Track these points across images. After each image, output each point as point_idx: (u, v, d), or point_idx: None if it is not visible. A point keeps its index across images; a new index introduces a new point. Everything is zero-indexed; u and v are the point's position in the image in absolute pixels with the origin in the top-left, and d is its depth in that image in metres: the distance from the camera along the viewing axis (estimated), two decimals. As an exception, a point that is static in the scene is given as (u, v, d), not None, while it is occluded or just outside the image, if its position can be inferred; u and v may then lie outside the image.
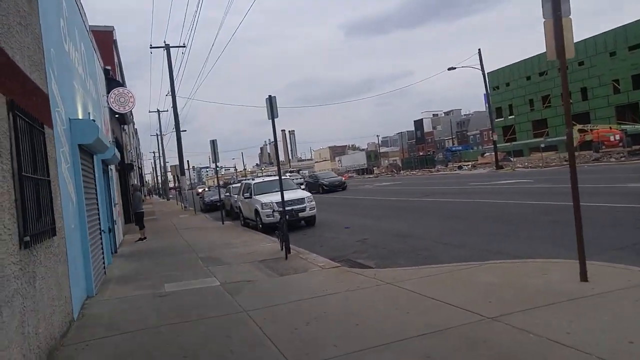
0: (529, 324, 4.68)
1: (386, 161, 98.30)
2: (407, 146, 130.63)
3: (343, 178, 42.16)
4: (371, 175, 71.97)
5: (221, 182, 33.46)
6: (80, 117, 8.89)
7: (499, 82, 70.16)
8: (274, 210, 15.68)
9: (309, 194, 16.86)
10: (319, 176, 39.38)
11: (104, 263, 9.99)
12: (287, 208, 15.82)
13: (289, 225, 16.47)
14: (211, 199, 31.90)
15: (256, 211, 16.48)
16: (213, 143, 20.01)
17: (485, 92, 42.65)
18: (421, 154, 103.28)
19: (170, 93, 34.77)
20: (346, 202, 25.73)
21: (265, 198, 16.28)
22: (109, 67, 18.33)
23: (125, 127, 27.81)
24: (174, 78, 33.98)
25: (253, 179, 20.73)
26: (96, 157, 10.42)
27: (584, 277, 5.91)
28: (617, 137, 41.16)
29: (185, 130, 63.42)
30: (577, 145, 43.36)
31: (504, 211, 14.36)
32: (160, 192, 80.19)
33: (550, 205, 13.89)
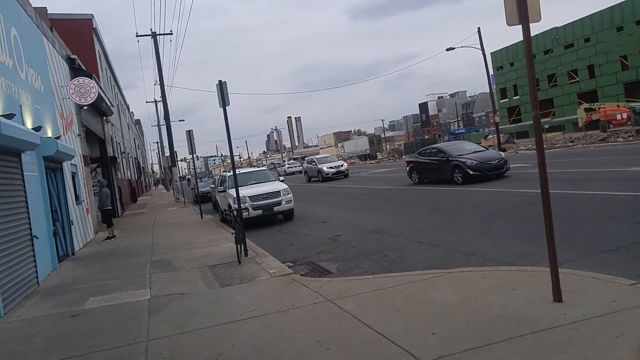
0: (470, 374, 3.56)
1: (387, 146, 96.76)
2: (412, 130, 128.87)
3: (502, 153, 23.72)
4: (373, 161, 70.66)
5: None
6: (-4, 111, 7.82)
7: (502, 62, 68.35)
8: (247, 205, 14.62)
9: (285, 186, 15.74)
10: (450, 151, 19.21)
11: (36, 272, 8.96)
12: (261, 202, 14.92)
13: (265, 220, 15.54)
14: (202, 190, 30.86)
15: (229, 206, 15.40)
16: (189, 133, 18.96)
17: (487, 74, 40.91)
18: (426, 137, 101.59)
19: (158, 82, 33.85)
20: (332, 192, 24.57)
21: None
22: (74, 57, 17.14)
23: (109, 118, 26.75)
24: (162, 66, 32.90)
25: (227, 172, 19.56)
26: (26, 155, 9.33)
27: (557, 296, 4.77)
28: (625, 115, 39.37)
29: (183, 120, 62.85)
30: (584, 125, 41.87)
31: (493, 201, 13.15)
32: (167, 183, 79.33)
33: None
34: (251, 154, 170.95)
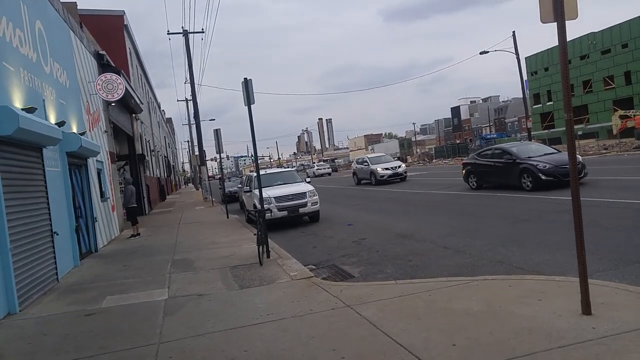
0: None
1: (417, 150, 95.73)
2: (443, 134, 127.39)
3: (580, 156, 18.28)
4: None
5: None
6: (17, 104, 7.84)
7: (537, 67, 66.74)
8: (272, 205, 14.53)
9: (311, 187, 15.58)
10: (518, 152, 16.97)
11: (55, 269, 8.98)
12: (287, 203, 14.80)
13: (291, 221, 15.42)
14: (229, 190, 31.03)
15: (254, 206, 15.33)
16: (216, 132, 19.00)
17: (521, 78, 39.87)
18: (458, 141, 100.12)
19: (189, 81, 34.16)
20: (360, 195, 24.28)
21: (264, 192, 15.07)
22: (103, 52, 17.30)
23: (139, 116, 27.10)
24: (192, 64, 33.17)
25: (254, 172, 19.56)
26: (48, 150, 9.35)
27: (586, 309, 4.49)
28: (661, 123, 38.01)
29: (213, 119, 63.44)
30: (618, 133, 40.60)
31: (523, 208, 12.71)
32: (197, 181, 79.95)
33: (550, 200, 12.13)
34: (281, 154, 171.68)
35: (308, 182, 16.52)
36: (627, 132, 42.49)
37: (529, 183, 15.90)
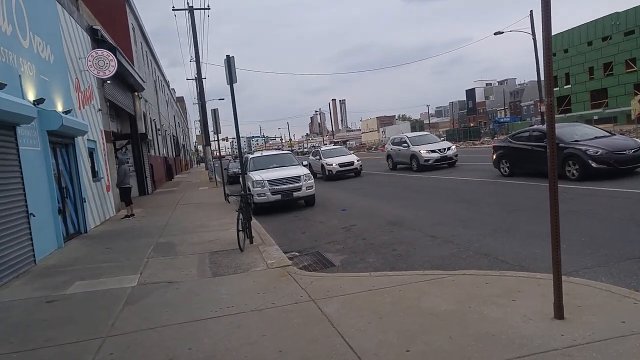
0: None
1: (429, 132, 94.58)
2: (458, 116, 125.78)
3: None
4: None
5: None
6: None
7: (556, 49, 64.92)
8: (265, 189, 14.23)
9: (307, 171, 15.20)
10: (562, 135, 14.28)
11: (32, 251, 8.78)
12: (280, 187, 14.46)
13: (285, 205, 15.12)
14: (234, 170, 30.91)
15: (248, 189, 15.03)
16: (214, 112, 18.64)
17: (536, 60, 38.74)
18: (472, 124, 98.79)
19: (195, 59, 33.76)
20: (362, 179, 23.87)
21: (258, 175, 14.79)
22: (97, 27, 16.85)
23: (142, 94, 26.80)
24: (197, 42, 32.74)
25: (256, 153, 19.22)
26: (23, 129, 9.01)
27: (558, 312, 4.11)
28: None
29: (222, 99, 62.76)
30: (637, 118, 39.51)
31: (523, 196, 12.25)
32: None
33: (576, 190, 11.68)
34: (293, 135, 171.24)
35: (304, 166, 16.16)
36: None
37: (574, 171, 13.66)
